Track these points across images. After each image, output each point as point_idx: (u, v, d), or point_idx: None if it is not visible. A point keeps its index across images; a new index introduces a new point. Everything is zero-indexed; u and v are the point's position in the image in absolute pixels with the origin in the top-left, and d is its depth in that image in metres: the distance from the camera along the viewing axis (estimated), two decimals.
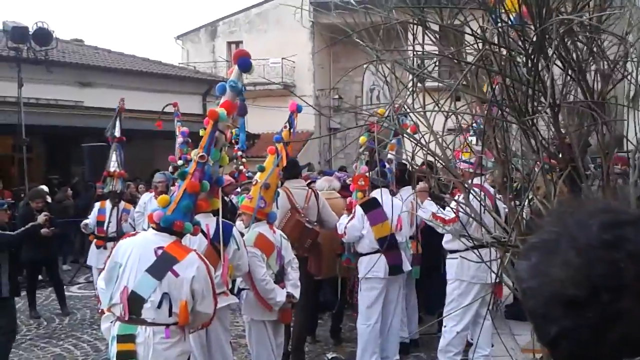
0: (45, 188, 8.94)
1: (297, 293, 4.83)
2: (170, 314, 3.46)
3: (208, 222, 4.33)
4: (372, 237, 5.57)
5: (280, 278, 4.81)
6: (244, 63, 3.90)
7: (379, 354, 5.73)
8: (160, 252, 3.52)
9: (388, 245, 5.42)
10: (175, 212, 3.64)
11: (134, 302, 3.45)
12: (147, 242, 3.59)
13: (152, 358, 3.42)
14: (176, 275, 3.47)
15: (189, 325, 3.63)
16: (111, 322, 3.56)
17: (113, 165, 8.13)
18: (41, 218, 7.28)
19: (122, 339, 3.45)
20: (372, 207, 5.63)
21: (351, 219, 5.67)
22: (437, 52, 2.28)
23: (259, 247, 4.66)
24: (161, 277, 3.45)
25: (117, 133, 8.27)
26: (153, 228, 3.69)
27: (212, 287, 3.63)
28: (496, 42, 1.83)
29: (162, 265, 3.49)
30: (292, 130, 5.30)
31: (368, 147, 5.98)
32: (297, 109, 5.20)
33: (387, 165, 6.08)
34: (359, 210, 5.67)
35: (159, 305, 3.43)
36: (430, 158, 2.44)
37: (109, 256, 3.72)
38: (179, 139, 8.51)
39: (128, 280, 3.47)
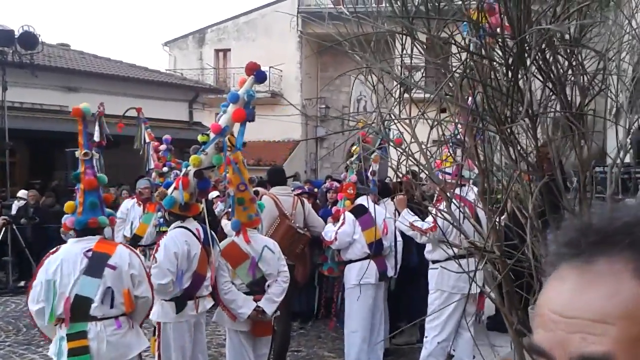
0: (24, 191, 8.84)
1: (269, 309, 4.66)
2: (112, 306, 3.70)
3: (197, 226, 4.54)
4: (364, 242, 5.63)
5: (257, 290, 4.74)
6: (261, 75, 4.33)
7: None
8: (90, 253, 3.74)
9: (375, 251, 5.51)
10: (84, 212, 3.85)
11: (80, 305, 3.65)
12: (74, 250, 3.79)
13: (107, 350, 3.64)
14: (114, 268, 3.73)
15: (135, 313, 3.87)
16: (56, 324, 3.73)
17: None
18: None
19: (73, 336, 3.65)
20: (361, 212, 5.71)
21: (341, 225, 5.71)
22: (423, 62, 2.33)
23: (224, 256, 4.68)
24: (100, 274, 3.68)
25: (97, 138, 8.12)
26: (71, 237, 3.92)
27: (145, 272, 3.93)
28: (478, 52, 1.87)
29: (97, 264, 3.71)
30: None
31: (359, 158, 6.06)
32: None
33: (371, 177, 6.15)
34: (349, 216, 5.74)
35: (103, 301, 3.67)
36: (414, 167, 2.48)
37: (35, 275, 3.83)
38: (155, 145, 8.47)
39: (67, 290, 3.65)
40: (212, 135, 4.38)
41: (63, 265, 3.70)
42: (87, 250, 3.76)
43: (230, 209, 5.09)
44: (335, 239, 5.70)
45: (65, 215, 3.98)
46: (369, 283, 5.63)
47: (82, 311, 3.65)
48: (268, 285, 4.75)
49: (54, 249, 3.94)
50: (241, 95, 4.25)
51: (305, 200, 6.38)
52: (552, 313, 0.64)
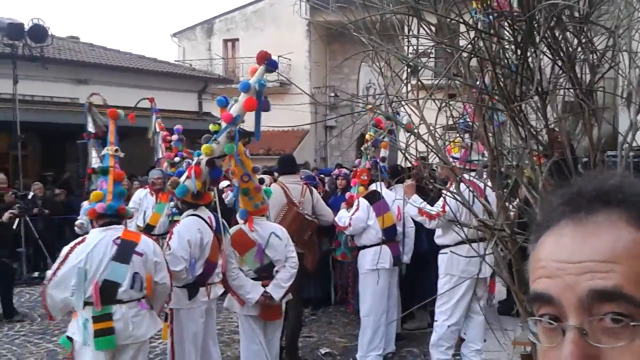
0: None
1: (277, 294, 4.73)
2: (141, 289, 3.97)
3: (208, 214, 4.64)
4: (378, 228, 5.65)
5: (265, 275, 4.80)
6: (273, 63, 4.37)
7: (383, 346, 5.80)
8: (119, 241, 3.98)
9: (389, 237, 5.54)
10: (115, 199, 4.13)
11: (108, 289, 3.88)
12: (102, 238, 3.98)
13: (132, 330, 3.91)
14: (140, 255, 3.99)
15: (154, 298, 4.13)
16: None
17: (95, 162, 8.08)
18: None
19: (99, 318, 3.85)
20: (375, 198, 5.73)
21: (355, 211, 5.73)
22: (431, 44, 2.31)
23: (232, 243, 4.75)
24: (129, 260, 3.94)
25: (92, 129, 8.04)
26: (97, 227, 4.09)
27: (165, 261, 4.18)
28: (487, 31, 1.86)
29: (126, 251, 3.96)
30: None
31: (374, 144, 6.08)
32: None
33: (381, 163, 6.17)
34: (363, 202, 5.76)
35: (132, 285, 3.92)
36: (423, 150, 2.47)
37: (62, 262, 3.97)
38: (164, 135, 8.50)
39: (96, 275, 3.85)
40: (223, 125, 4.39)
41: (94, 252, 3.89)
42: (116, 238, 3.98)
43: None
44: (350, 224, 5.74)
45: (87, 205, 4.23)
46: (383, 268, 5.68)
47: (110, 295, 3.88)
48: (276, 271, 4.80)
49: (81, 238, 4.11)
50: (252, 84, 4.27)
51: (315, 189, 6.39)
52: (557, 262, 0.69)
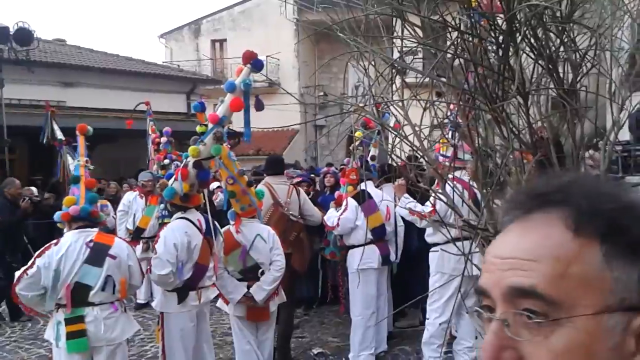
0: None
1: (259, 296, 4.75)
2: (114, 292, 4.02)
3: (198, 217, 4.59)
4: (367, 228, 5.66)
5: (251, 276, 4.81)
6: (258, 63, 4.32)
7: (374, 345, 5.81)
8: (91, 244, 4.04)
9: (377, 236, 5.54)
10: (87, 203, 4.21)
11: (79, 292, 3.94)
12: (75, 241, 4.04)
13: (103, 332, 3.93)
14: (114, 257, 4.04)
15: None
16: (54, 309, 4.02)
17: (72, 167, 8.02)
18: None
19: (71, 320, 3.92)
20: (364, 198, 5.73)
21: (344, 211, 5.74)
22: (415, 44, 2.32)
23: None
24: (102, 263, 3.99)
25: (61, 136, 7.84)
26: (71, 229, 4.16)
27: (138, 262, 4.29)
28: (469, 32, 1.87)
29: (98, 254, 4.02)
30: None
31: (362, 143, 6.06)
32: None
33: (371, 162, 6.17)
34: (352, 202, 5.76)
35: (104, 288, 3.97)
36: (409, 150, 2.48)
37: (32, 263, 4.03)
38: (153, 137, 8.49)
39: (69, 278, 3.92)
40: (210, 126, 4.38)
41: (67, 254, 3.94)
42: (89, 241, 4.03)
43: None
44: (338, 224, 5.74)
45: (60, 210, 4.25)
46: (371, 268, 5.68)
47: (81, 297, 3.93)
48: (262, 273, 4.81)
49: (55, 240, 4.12)
50: (237, 84, 4.25)
51: (302, 190, 6.38)
52: (493, 258, 0.72)
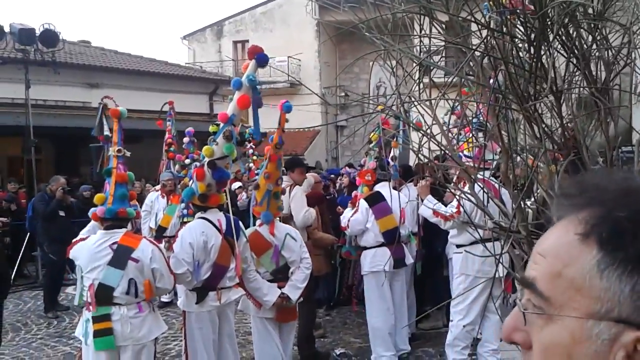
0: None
1: (294, 295, 4.75)
2: (137, 295, 4.00)
3: (219, 217, 4.52)
4: (377, 231, 5.62)
5: (281, 277, 4.81)
6: (262, 58, 4.22)
7: (394, 347, 5.76)
8: (115, 246, 4.02)
9: (389, 239, 5.48)
10: (115, 202, 4.13)
11: (103, 292, 3.96)
12: (100, 242, 4.05)
13: (130, 331, 3.96)
14: (136, 261, 4.00)
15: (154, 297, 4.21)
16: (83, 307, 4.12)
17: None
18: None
19: (98, 319, 3.95)
20: (376, 200, 5.69)
21: (355, 212, 5.71)
22: (443, 43, 2.29)
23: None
24: (123, 266, 3.97)
25: (108, 132, 8.07)
26: (100, 229, 4.18)
27: (167, 265, 4.16)
28: (499, 29, 1.83)
29: (121, 257, 3.99)
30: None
31: (379, 144, 6.00)
32: (283, 108, 4.96)
33: (391, 162, 6.12)
34: (363, 204, 5.72)
35: (127, 291, 3.97)
36: (436, 150, 2.44)
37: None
38: (166, 137, 8.63)
39: (92, 278, 3.97)
40: (221, 125, 4.35)
41: (91, 254, 4.00)
42: (113, 243, 4.03)
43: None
44: (348, 226, 5.72)
45: (94, 208, 4.22)
46: (380, 270, 5.58)
47: (106, 297, 3.95)
48: (291, 272, 4.80)
49: (85, 235, 4.22)
50: (243, 81, 4.18)
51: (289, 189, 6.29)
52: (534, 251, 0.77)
